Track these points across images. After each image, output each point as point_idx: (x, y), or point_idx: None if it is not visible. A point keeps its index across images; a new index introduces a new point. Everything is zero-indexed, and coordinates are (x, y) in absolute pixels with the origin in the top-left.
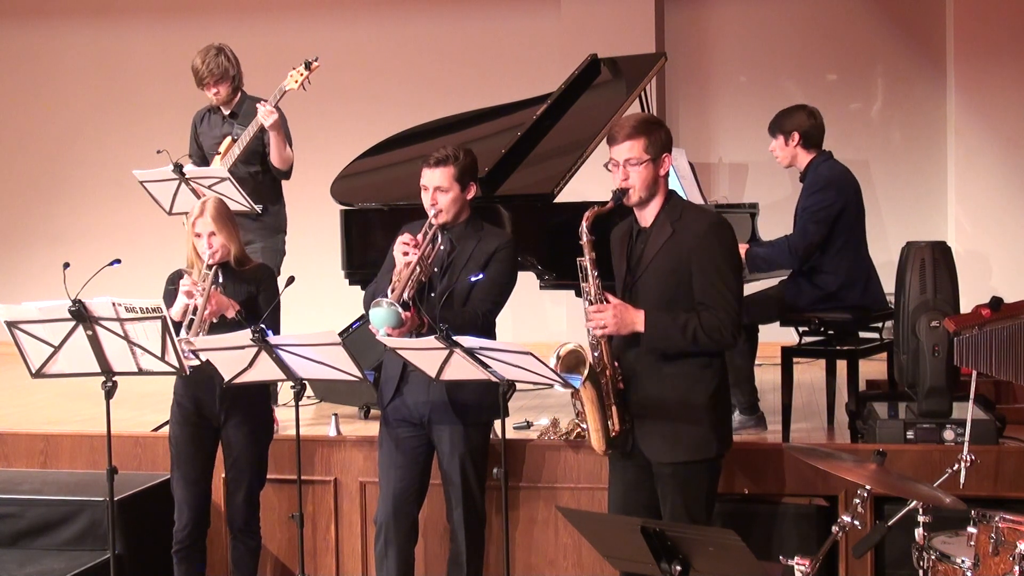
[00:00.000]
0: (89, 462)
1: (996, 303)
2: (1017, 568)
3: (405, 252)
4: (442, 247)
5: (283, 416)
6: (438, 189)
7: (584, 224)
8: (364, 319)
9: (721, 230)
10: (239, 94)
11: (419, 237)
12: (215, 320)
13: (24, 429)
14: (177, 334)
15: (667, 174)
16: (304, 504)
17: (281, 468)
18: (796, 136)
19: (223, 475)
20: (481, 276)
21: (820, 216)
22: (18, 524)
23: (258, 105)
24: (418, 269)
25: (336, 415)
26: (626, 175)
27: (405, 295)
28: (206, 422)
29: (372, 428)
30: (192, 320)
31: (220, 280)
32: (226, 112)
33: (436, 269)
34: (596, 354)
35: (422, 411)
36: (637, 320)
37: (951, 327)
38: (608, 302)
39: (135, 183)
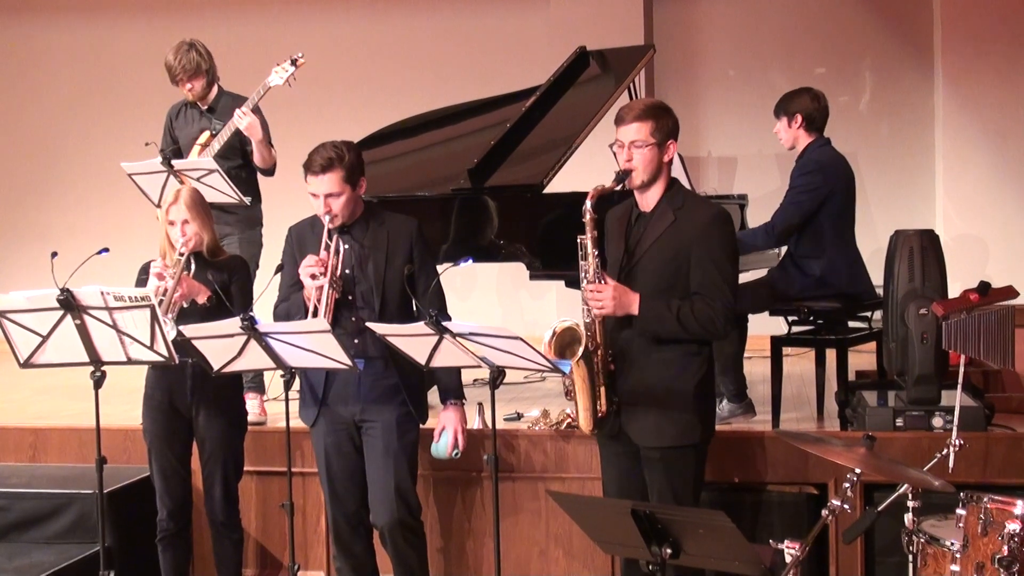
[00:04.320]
0: (78, 456)
1: (984, 287)
2: (1006, 548)
3: (313, 275)
4: (345, 247)
5: (273, 408)
6: (329, 195)
7: (588, 201)
8: None
9: (722, 222)
10: (215, 88)
11: (323, 255)
12: (185, 304)
13: (13, 423)
14: None
15: (671, 161)
16: (294, 495)
17: (271, 459)
18: (799, 118)
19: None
20: (470, 261)
21: (802, 199)
22: (7, 517)
23: (237, 111)
24: (331, 289)
25: None
26: (630, 156)
27: (328, 318)
28: (178, 413)
29: None
30: (162, 301)
31: (192, 268)
32: (203, 107)
33: (348, 271)
34: (589, 333)
35: (353, 411)
36: (633, 303)
37: (939, 311)
38: (606, 283)
39: (123, 175)
